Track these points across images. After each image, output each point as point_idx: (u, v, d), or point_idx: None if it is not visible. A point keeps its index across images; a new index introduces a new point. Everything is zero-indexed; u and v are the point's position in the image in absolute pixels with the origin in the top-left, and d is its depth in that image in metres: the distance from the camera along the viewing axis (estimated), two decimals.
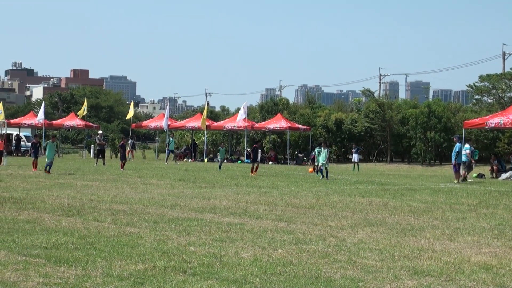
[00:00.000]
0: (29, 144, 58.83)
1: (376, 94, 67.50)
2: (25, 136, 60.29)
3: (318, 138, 56.70)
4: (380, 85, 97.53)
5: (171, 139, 49.62)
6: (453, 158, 31.34)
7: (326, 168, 31.64)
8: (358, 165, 45.63)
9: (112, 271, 9.02)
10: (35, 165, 32.89)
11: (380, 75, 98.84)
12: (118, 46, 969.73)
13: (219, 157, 41.76)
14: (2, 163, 37.97)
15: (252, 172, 33.63)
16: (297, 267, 9.61)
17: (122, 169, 35.02)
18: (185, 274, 8.98)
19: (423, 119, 54.61)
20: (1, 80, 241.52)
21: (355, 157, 46.44)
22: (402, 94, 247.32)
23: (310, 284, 8.58)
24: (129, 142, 57.74)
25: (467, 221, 15.46)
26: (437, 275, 9.28)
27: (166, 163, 46.25)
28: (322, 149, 32.72)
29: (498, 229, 14.16)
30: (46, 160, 31.67)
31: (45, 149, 33.83)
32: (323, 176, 31.51)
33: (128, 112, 63.68)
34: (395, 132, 57.81)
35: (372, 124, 58.74)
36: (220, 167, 39.31)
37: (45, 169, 30.84)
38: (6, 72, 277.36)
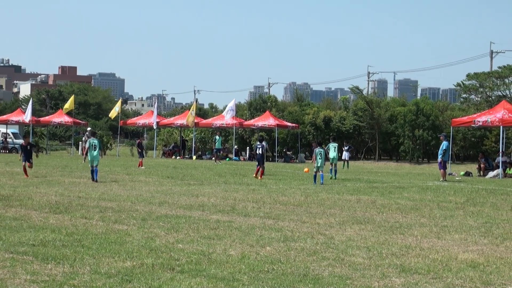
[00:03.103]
0: (17, 141, 58.65)
1: (364, 92, 67.52)
2: (13, 133, 59.97)
3: (314, 136, 56.64)
4: (368, 83, 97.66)
5: (217, 137, 48.40)
6: (439, 156, 31.43)
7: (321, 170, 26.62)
8: (348, 162, 45.74)
9: (100, 269, 9.01)
10: (26, 170, 26.27)
11: (369, 73, 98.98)
12: (107, 43, 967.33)
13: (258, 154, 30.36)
14: None
15: (257, 176, 28.93)
16: (285, 264, 9.63)
17: (140, 167, 35.29)
18: (173, 272, 8.97)
19: (411, 117, 54.77)
20: None
21: (345, 154, 46.59)
22: (391, 92, 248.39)
23: (298, 282, 8.59)
24: (83, 139, 56.71)
25: (454, 219, 15.52)
26: (424, 272, 9.32)
27: (215, 163, 43.91)
28: (332, 144, 31.18)
29: (485, 227, 14.23)
30: (94, 163, 24.95)
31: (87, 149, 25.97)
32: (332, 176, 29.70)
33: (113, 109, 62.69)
34: (383, 130, 57.94)
35: (361, 122, 58.85)
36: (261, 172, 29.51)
37: (92, 178, 24.59)
38: None
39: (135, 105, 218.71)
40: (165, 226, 13.10)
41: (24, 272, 8.69)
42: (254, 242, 11.46)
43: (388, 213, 16.42)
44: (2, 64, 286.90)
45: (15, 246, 10.52)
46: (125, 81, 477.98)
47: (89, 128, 51.14)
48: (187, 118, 55.19)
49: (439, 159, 31.40)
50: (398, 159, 58.60)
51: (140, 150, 39.00)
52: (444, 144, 31.30)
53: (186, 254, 10.19)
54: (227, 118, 53.89)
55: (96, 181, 24.22)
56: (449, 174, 35.31)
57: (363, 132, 59.76)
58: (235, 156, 54.42)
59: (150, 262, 9.46)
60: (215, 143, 48.19)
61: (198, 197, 19.13)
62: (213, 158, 46.70)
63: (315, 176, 26.50)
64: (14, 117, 60.95)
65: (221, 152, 48.92)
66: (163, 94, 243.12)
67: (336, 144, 31.39)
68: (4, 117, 62.97)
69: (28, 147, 26.95)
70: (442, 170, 31.30)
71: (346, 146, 47.48)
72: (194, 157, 54.53)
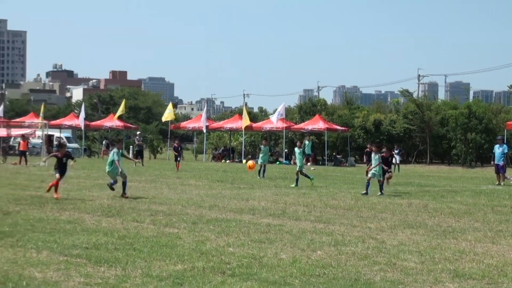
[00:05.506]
0: (70, 145, 59.55)
1: (414, 95, 66.85)
2: (66, 137, 60.94)
3: (364, 139, 56.26)
4: (418, 86, 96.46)
5: (306, 142, 47.47)
6: (500, 159, 30.61)
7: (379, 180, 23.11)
8: (398, 166, 45.34)
9: (151, 272, 9.07)
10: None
11: (419, 75, 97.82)
12: (157, 47, 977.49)
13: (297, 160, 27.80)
14: (22, 163, 37.83)
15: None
16: (336, 269, 9.56)
17: (177, 170, 35.56)
18: (224, 275, 8.98)
19: (463, 120, 53.97)
20: (43, 82, 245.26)
21: (396, 158, 46.18)
22: (442, 95, 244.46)
23: (349, 286, 8.52)
24: (103, 142, 56.59)
25: (510, 223, 15.22)
26: (479, 278, 9.15)
27: (308, 166, 42.61)
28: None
29: None
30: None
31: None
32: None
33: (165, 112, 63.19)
34: (434, 133, 57.23)
35: (411, 125, 58.26)
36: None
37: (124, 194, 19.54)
38: (47, 74, 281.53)
39: (185, 109, 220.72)
40: (216, 229, 13.13)
41: (77, 275, 8.81)
42: (305, 246, 11.41)
43: (441, 217, 16.19)
44: (56, 69, 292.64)
45: (69, 249, 10.67)
46: (174, 85, 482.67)
47: (138, 132, 51.51)
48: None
49: (501, 163, 30.46)
50: (450, 163, 57.80)
51: (176, 154, 37.63)
52: (505, 148, 30.64)
53: (237, 257, 10.20)
54: (275, 122, 53.81)
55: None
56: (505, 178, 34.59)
57: (414, 135, 59.14)
58: (285, 159, 54.37)
59: (201, 266, 9.49)
60: (304, 148, 47.47)
61: (248, 201, 19.14)
62: (307, 163, 45.57)
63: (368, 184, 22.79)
64: (67, 121, 62.06)
65: (309, 156, 46.64)
66: (212, 98, 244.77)
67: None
68: (57, 121, 64.12)
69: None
70: (501, 174, 30.51)
71: (397, 150, 47.15)
72: (244, 161, 54.66)
